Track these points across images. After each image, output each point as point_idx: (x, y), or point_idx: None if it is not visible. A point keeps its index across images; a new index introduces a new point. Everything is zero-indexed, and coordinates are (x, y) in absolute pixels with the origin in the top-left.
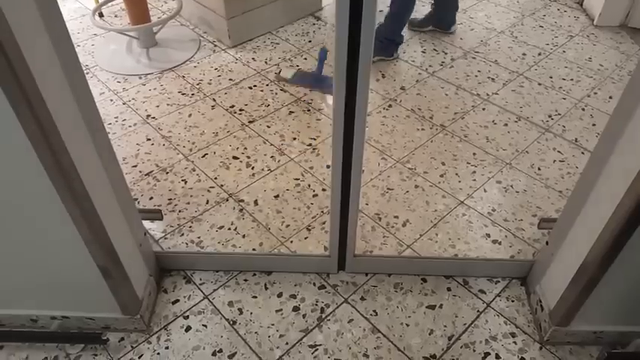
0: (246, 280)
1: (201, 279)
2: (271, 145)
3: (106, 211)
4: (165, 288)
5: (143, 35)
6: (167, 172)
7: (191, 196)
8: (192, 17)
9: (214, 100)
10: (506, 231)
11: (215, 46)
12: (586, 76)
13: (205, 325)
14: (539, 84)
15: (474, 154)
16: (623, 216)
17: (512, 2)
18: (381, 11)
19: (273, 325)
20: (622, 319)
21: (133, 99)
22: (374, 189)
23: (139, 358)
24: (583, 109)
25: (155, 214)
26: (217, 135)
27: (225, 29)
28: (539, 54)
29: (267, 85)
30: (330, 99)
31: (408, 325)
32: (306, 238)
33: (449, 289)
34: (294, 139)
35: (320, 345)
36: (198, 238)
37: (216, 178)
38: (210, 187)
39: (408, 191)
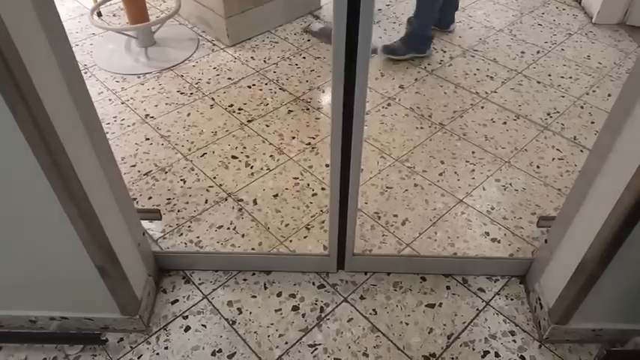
0: (245, 280)
1: (200, 279)
2: (270, 144)
3: (104, 211)
4: (165, 288)
5: (142, 34)
6: (166, 172)
7: (190, 195)
8: (190, 16)
9: (213, 99)
10: (505, 229)
11: (214, 45)
12: (585, 74)
13: (204, 325)
14: (538, 82)
15: (473, 152)
16: (622, 213)
17: (510, 0)
18: (380, 10)
19: (272, 324)
20: (621, 317)
21: (132, 98)
22: (373, 188)
23: (138, 358)
24: (582, 107)
25: (154, 214)
26: (216, 134)
27: (223, 28)
28: (538, 52)
29: (266, 84)
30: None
31: (407, 324)
32: (305, 238)
33: (448, 288)
34: (293, 138)
35: (319, 344)
36: (197, 237)
37: (215, 178)
38: (209, 187)
39: (407, 190)
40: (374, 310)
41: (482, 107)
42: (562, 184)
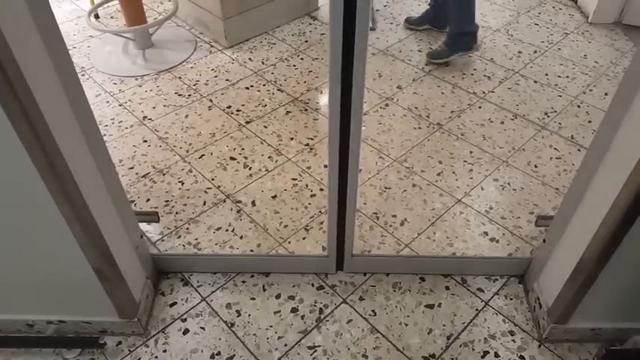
0: (244, 282)
1: (198, 281)
2: (268, 145)
3: (102, 214)
4: (163, 291)
5: (139, 36)
6: (164, 174)
7: (188, 197)
8: (188, 18)
9: (211, 100)
10: (504, 229)
11: (211, 46)
12: (581, 74)
13: (203, 328)
14: (535, 82)
15: (471, 152)
16: (620, 211)
17: (507, 0)
18: (377, 10)
19: (271, 326)
20: (620, 316)
21: (130, 100)
22: (371, 188)
23: None
24: (579, 106)
25: (152, 217)
26: (214, 136)
27: (221, 30)
28: (535, 52)
29: (264, 85)
30: None
31: (406, 325)
32: (304, 239)
33: (447, 288)
34: (292, 139)
35: (319, 346)
36: (196, 239)
37: (213, 179)
38: (208, 189)
39: (405, 190)
40: (373, 311)
41: (479, 107)
42: (560, 183)
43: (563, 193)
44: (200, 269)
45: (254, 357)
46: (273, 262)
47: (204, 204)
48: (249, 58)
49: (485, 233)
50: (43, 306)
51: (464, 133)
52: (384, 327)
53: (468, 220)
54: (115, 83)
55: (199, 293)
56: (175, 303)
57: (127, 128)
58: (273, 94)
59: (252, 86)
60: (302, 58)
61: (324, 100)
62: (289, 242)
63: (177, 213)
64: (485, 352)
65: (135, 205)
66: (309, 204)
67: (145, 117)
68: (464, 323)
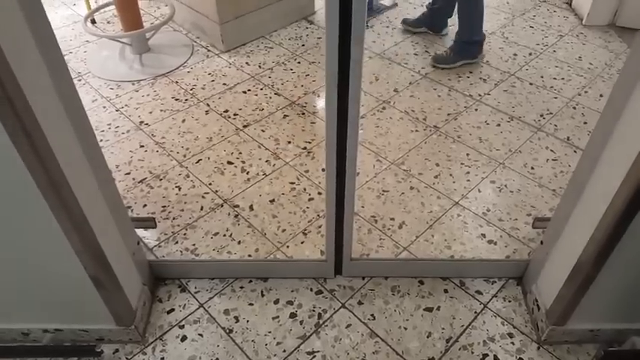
0: (242, 288)
1: (196, 287)
2: (266, 149)
3: (98, 221)
4: (160, 297)
5: (136, 41)
6: (161, 179)
7: (185, 202)
8: (185, 23)
9: (208, 105)
10: (502, 231)
11: (208, 51)
12: (576, 75)
13: (201, 335)
14: (531, 84)
15: (468, 154)
16: (616, 212)
17: (502, 3)
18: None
19: (270, 332)
20: (618, 317)
21: (126, 105)
22: (369, 191)
23: None
24: (574, 108)
25: (148, 222)
26: (211, 140)
27: (218, 34)
28: (530, 54)
29: (261, 89)
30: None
31: (406, 329)
32: (302, 243)
33: (446, 291)
34: (289, 142)
35: (318, 351)
36: (193, 245)
37: (210, 184)
38: (205, 193)
39: (403, 193)
40: (372, 315)
41: (476, 110)
42: (556, 184)
43: (560, 194)
44: (197, 275)
45: None
46: (271, 267)
47: (202, 209)
48: (246, 62)
49: (483, 235)
50: (39, 314)
51: (460, 136)
52: (384, 331)
53: (465, 222)
54: (111, 88)
55: (197, 299)
56: (173, 310)
57: (123, 133)
58: (270, 98)
59: (249, 90)
60: (299, 62)
61: (321, 103)
62: (287, 247)
63: (174, 218)
64: (485, 355)
65: (132, 210)
66: (307, 208)
67: (141, 122)
68: (463, 326)
